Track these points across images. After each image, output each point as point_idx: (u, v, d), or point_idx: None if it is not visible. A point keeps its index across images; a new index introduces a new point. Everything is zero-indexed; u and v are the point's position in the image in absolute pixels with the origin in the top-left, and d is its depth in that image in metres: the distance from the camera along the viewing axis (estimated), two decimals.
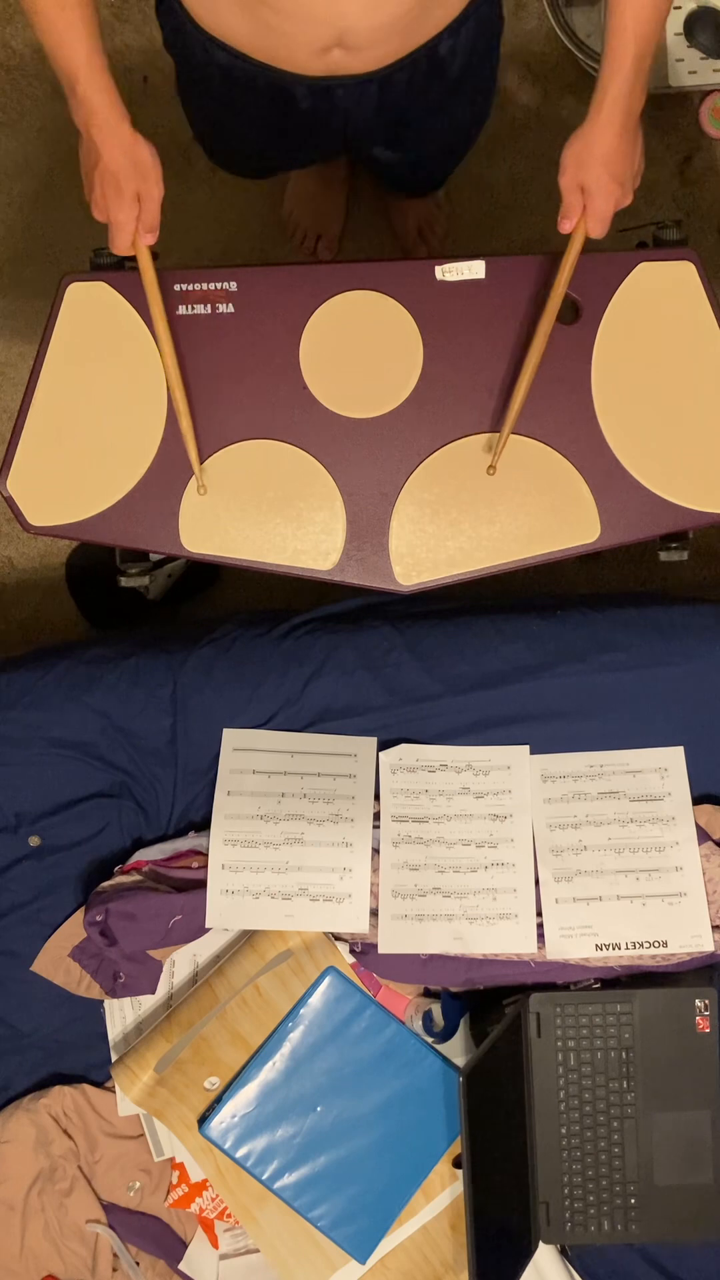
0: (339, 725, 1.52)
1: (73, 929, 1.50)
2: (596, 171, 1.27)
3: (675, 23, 1.98)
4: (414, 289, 1.42)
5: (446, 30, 1.28)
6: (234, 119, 1.45)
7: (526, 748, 1.50)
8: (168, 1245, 1.47)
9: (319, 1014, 1.43)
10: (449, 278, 1.43)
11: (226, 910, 1.45)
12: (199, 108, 1.54)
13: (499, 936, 1.44)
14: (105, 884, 1.48)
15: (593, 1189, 1.40)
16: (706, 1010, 1.41)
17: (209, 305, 1.42)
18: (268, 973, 1.44)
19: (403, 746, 1.50)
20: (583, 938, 1.44)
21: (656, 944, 1.44)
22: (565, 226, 1.32)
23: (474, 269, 1.42)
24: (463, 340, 1.42)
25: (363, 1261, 1.41)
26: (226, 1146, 1.41)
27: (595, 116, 1.26)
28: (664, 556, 1.47)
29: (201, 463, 1.41)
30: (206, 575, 2.00)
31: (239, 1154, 1.41)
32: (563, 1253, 1.45)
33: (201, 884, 1.46)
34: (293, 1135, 1.41)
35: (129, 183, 1.26)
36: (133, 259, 1.46)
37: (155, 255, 1.36)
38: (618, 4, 1.21)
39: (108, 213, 1.29)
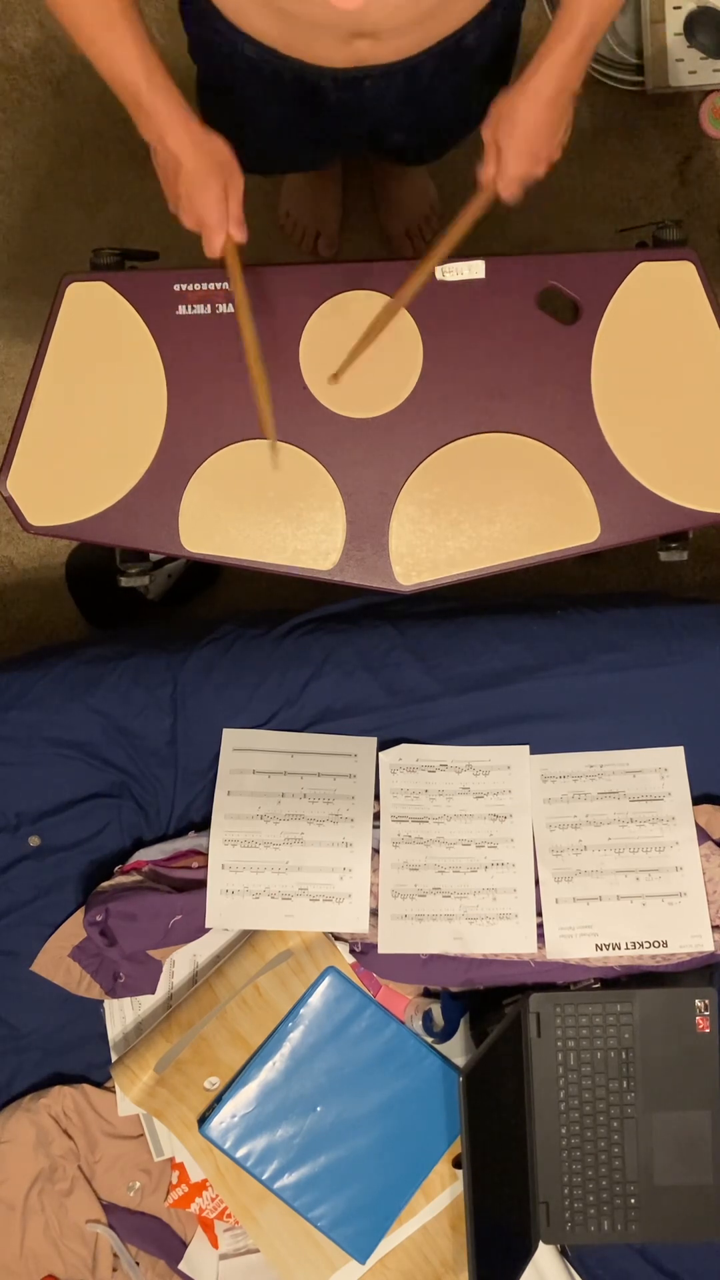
0: (339, 725, 1.52)
1: (73, 929, 1.50)
2: (515, 137, 1.25)
3: (675, 23, 1.98)
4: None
5: (474, 20, 1.28)
6: (263, 117, 1.44)
7: (526, 748, 1.50)
8: (168, 1245, 1.48)
9: (319, 1014, 1.43)
10: (449, 278, 1.43)
11: (226, 910, 1.45)
12: (223, 110, 1.54)
13: (499, 936, 1.44)
14: (105, 884, 1.48)
15: (593, 1189, 1.40)
16: (706, 1010, 1.41)
17: (209, 305, 1.42)
18: (268, 973, 1.44)
19: (403, 746, 1.50)
20: (583, 938, 1.44)
21: (656, 944, 1.44)
22: (481, 176, 1.30)
23: (474, 269, 1.42)
24: (463, 340, 1.42)
25: (363, 1261, 1.41)
26: (226, 1146, 1.41)
27: (527, 81, 1.23)
28: (664, 556, 1.47)
29: (201, 463, 1.41)
30: (206, 575, 2.00)
31: (239, 1154, 1.41)
32: (563, 1253, 1.45)
33: (201, 884, 1.46)
34: (293, 1135, 1.41)
35: (215, 180, 1.24)
36: (136, 259, 1.47)
37: (153, 255, 1.35)
38: None
39: (199, 216, 1.26)
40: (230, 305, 1.42)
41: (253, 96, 1.38)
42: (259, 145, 1.59)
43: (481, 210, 1.32)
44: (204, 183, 1.24)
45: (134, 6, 1.18)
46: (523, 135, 1.25)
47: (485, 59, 1.36)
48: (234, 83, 1.37)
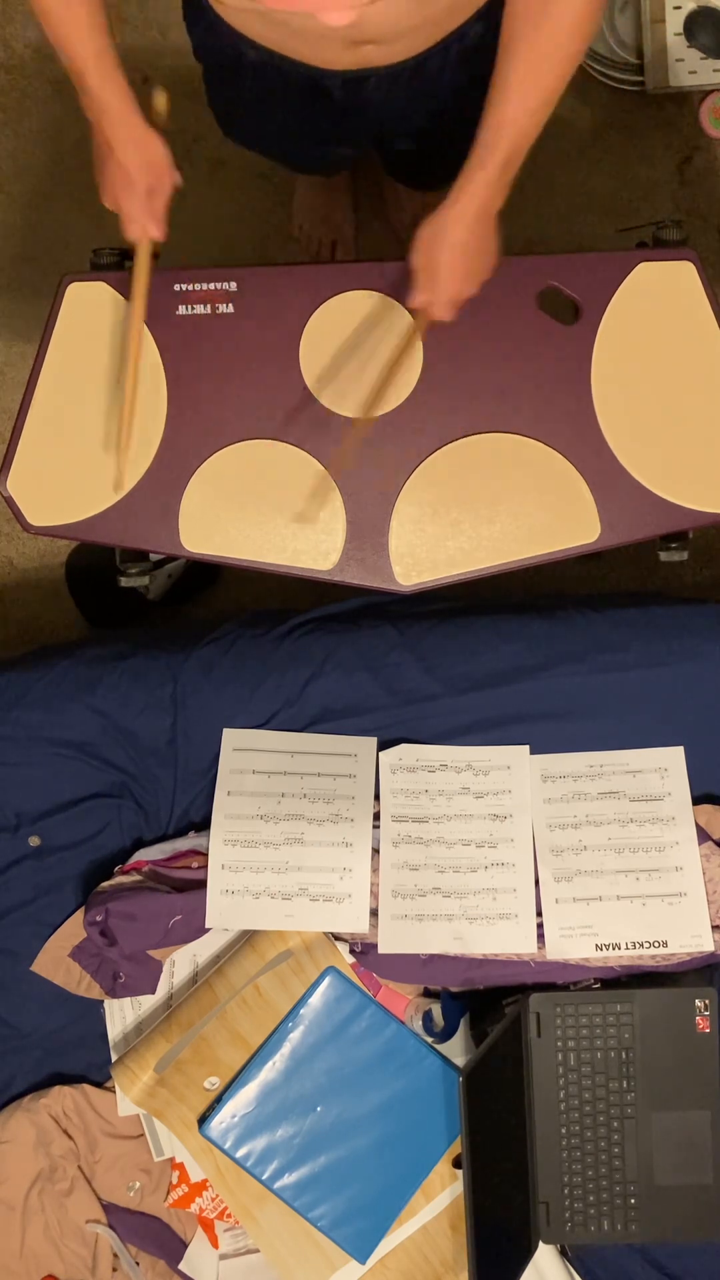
0: (339, 725, 1.52)
1: (73, 929, 1.50)
2: (444, 259, 1.27)
3: (675, 23, 1.98)
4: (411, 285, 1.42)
5: (475, 15, 1.28)
6: (269, 117, 1.45)
7: (526, 748, 1.50)
8: (168, 1245, 1.47)
9: (319, 1014, 1.43)
10: None
11: (226, 910, 1.45)
12: (231, 108, 1.54)
13: (499, 936, 1.44)
14: (105, 884, 1.48)
15: (593, 1189, 1.40)
16: (706, 1010, 1.41)
17: (209, 305, 1.42)
18: (268, 973, 1.44)
19: (403, 746, 1.50)
20: (583, 938, 1.44)
21: (656, 944, 1.44)
22: (412, 302, 1.33)
23: None
24: (463, 340, 1.42)
25: (363, 1261, 1.41)
26: (226, 1146, 1.41)
27: (451, 205, 1.25)
28: (664, 556, 1.47)
29: (201, 463, 1.41)
30: (206, 575, 2.00)
31: (239, 1154, 1.41)
32: (563, 1253, 1.45)
33: (201, 884, 1.46)
34: (293, 1135, 1.41)
35: (141, 177, 1.27)
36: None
37: (156, 255, 1.36)
38: (501, 94, 1.18)
39: (118, 205, 1.29)
40: (230, 306, 1.42)
41: (258, 97, 1.39)
42: (269, 143, 1.60)
43: (412, 340, 1.35)
44: (129, 177, 1.26)
45: None
46: (453, 257, 1.27)
47: (490, 50, 1.36)
48: (239, 84, 1.37)
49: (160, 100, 1.28)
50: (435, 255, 1.27)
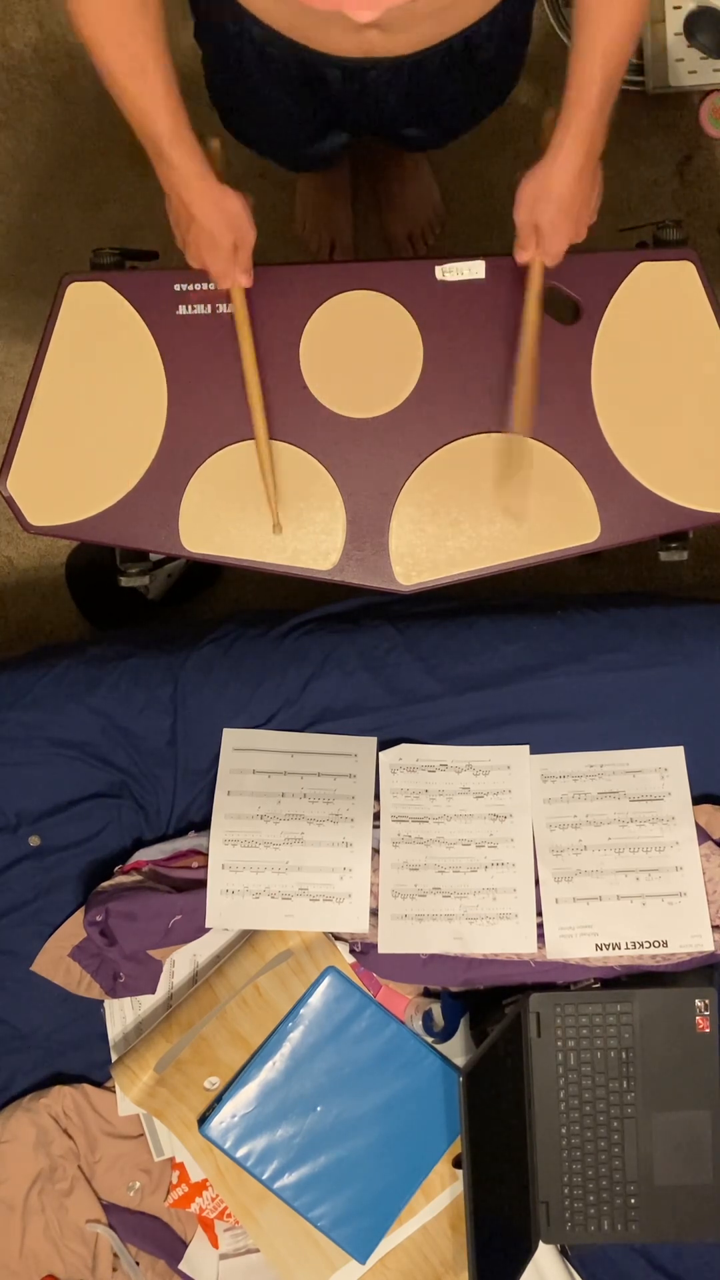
0: (339, 725, 1.52)
1: (73, 929, 1.50)
2: (551, 213, 1.28)
3: (675, 23, 1.98)
4: (414, 289, 1.42)
5: (484, 19, 1.28)
6: (268, 102, 1.45)
7: (526, 748, 1.50)
8: (168, 1245, 1.48)
9: (319, 1014, 1.43)
10: (449, 278, 1.43)
11: (226, 910, 1.45)
12: (230, 93, 1.54)
13: (499, 936, 1.44)
14: (105, 884, 1.48)
15: (593, 1189, 1.40)
16: (706, 1010, 1.41)
17: (209, 305, 1.42)
18: (268, 973, 1.44)
19: (403, 746, 1.50)
20: (583, 937, 1.44)
21: (656, 944, 1.44)
22: (520, 258, 1.34)
23: (474, 269, 1.42)
24: (463, 340, 1.42)
25: (363, 1261, 1.41)
26: (226, 1146, 1.41)
27: (555, 155, 1.25)
28: (664, 556, 1.47)
29: (201, 463, 1.41)
30: (206, 575, 2.00)
31: (239, 1154, 1.41)
32: (563, 1253, 1.45)
33: (201, 884, 1.46)
34: (293, 1135, 1.41)
35: (225, 237, 1.29)
36: (135, 259, 1.47)
37: (153, 255, 1.36)
38: (589, 30, 1.18)
39: (206, 265, 1.32)
40: (229, 306, 1.41)
41: (259, 81, 1.39)
42: (267, 130, 1.60)
43: (538, 287, 1.35)
44: (213, 240, 1.29)
45: (165, 54, 1.20)
46: (562, 210, 1.28)
47: (491, 55, 1.36)
48: (241, 68, 1.38)
49: (216, 148, 1.30)
50: (540, 213, 1.28)
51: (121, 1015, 1.50)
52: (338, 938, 1.47)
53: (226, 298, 1.41)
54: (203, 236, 1.29)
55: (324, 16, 1.21)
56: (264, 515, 1.41)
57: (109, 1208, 1.47)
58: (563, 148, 1.24)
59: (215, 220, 1.28)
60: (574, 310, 1.43)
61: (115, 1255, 1.46)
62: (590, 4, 1.18)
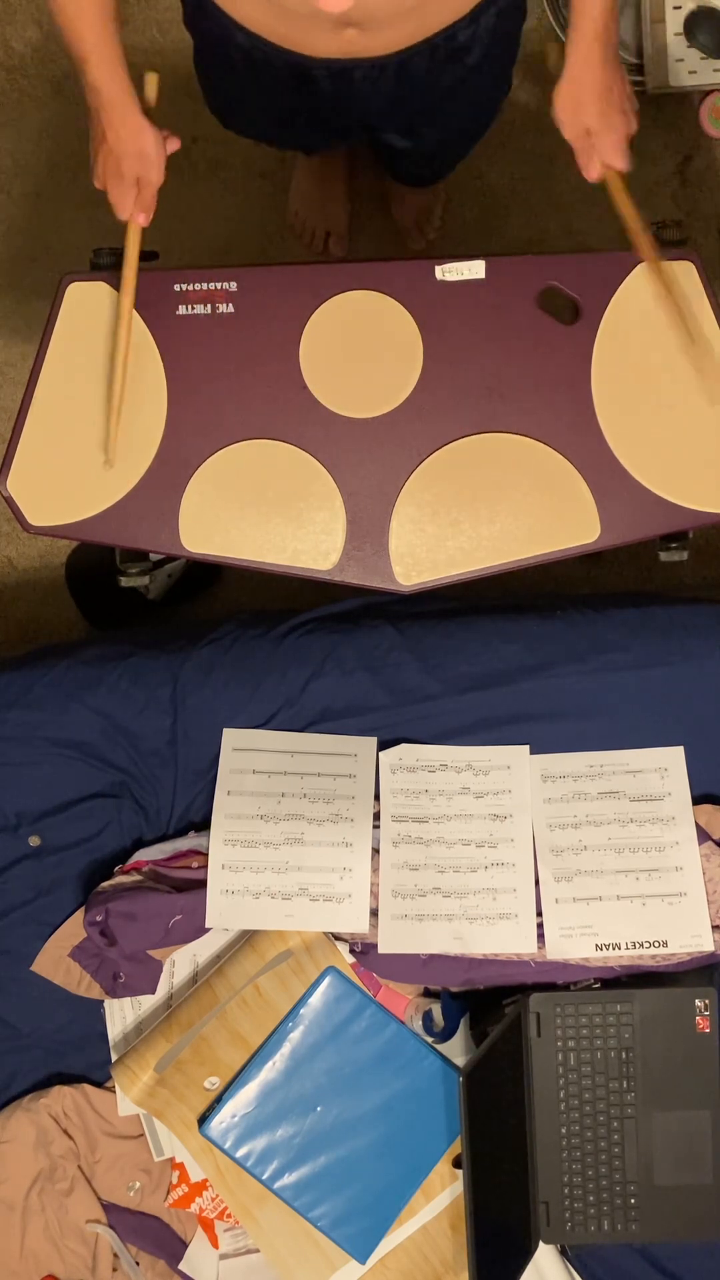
0: (339, 725, 1.52)
1: (73, 929, 1.50)
2: (595, 108, 1.29)
3: (675, 23, 1.98)
4: (414, 289, 1.42)
5: (466, 17, 1.29)
6: (254, 97, 1.46)
7: (526, 748, 1.50)
8: (168, 1245, 1.48)
9: (319, 1014, 1.43)
10: (449, 278, 1.43)
11: (226, 910, 1.45)
12: (219, 84, 1.55)
13: (499, 936, 1.44)
14: (105, 884, 1.48)
15: (593, 1189, 1.40)
16: (706, 1010, 1.41)
17: (209, 305, 1.42)
18: (268, 973, 1.44)
19: (403, 746, 1.50)
20: (583, 938, 1.44)
21: (656, 944, 1.44)
22: (591, 175, 1.35)
23: (474, 269, 1.42)
24: (463, 340, 1.42)
25: (363, 1261, 1.41)
26: (226, 1146, 1.41)
27: (575, 58, 1.27)
28: (664, 556, 1.47)
29: (201, 463, 1.41)
30: (206, 575, 2.00)
31: (239, 1154, 1.41)
32: (563, 1253, 1.45)
33: (201, 884, 1.46)
34: (293, 1135, 1.41)
35: (130, 167, 1.31)
36: (140, 259, 1.47)
37: (153, 255, 1.36)
38: None
39: (107, 191, 1.34)
40: (230, 305, 1.42)
41: (246, 79, 1.39)
42: (256, 123, 1.60)
43: (623, 196, 1.35)
44: (119, 166, 1.31)
45: None
46: (602, 102, 1.29)
47: (478, 60, 1.36)
48: (228, 65, 1.38)
49: (150, 82, 1.32)
50: (586, 117, 1.30)
51: (121, 1015, 1.50)
52: (338, 938, 1.47)
53: (227, 298, 1.41)
54: (109, 160, 1.31)
55: (302, 16, 1.21)
56: (265, 515, 1.41)
57: (109, 1208, 1.47)
58: (580, 48, 1.27)
59: (125, 147, 1.29)
60: (574, 310, 1.43)
61: (115, 1255, 1.46)
62: None
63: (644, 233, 1.36)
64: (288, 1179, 1.41)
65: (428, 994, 1.50)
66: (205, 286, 1.42)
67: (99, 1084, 1.50)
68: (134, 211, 1.34)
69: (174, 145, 1.33)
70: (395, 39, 1.27)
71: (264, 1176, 1.41)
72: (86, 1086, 1.49)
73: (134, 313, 1.38)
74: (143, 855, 1.51)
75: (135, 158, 1.30)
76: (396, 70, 1.31)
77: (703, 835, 1.48)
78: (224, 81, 1.50)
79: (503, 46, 1.43)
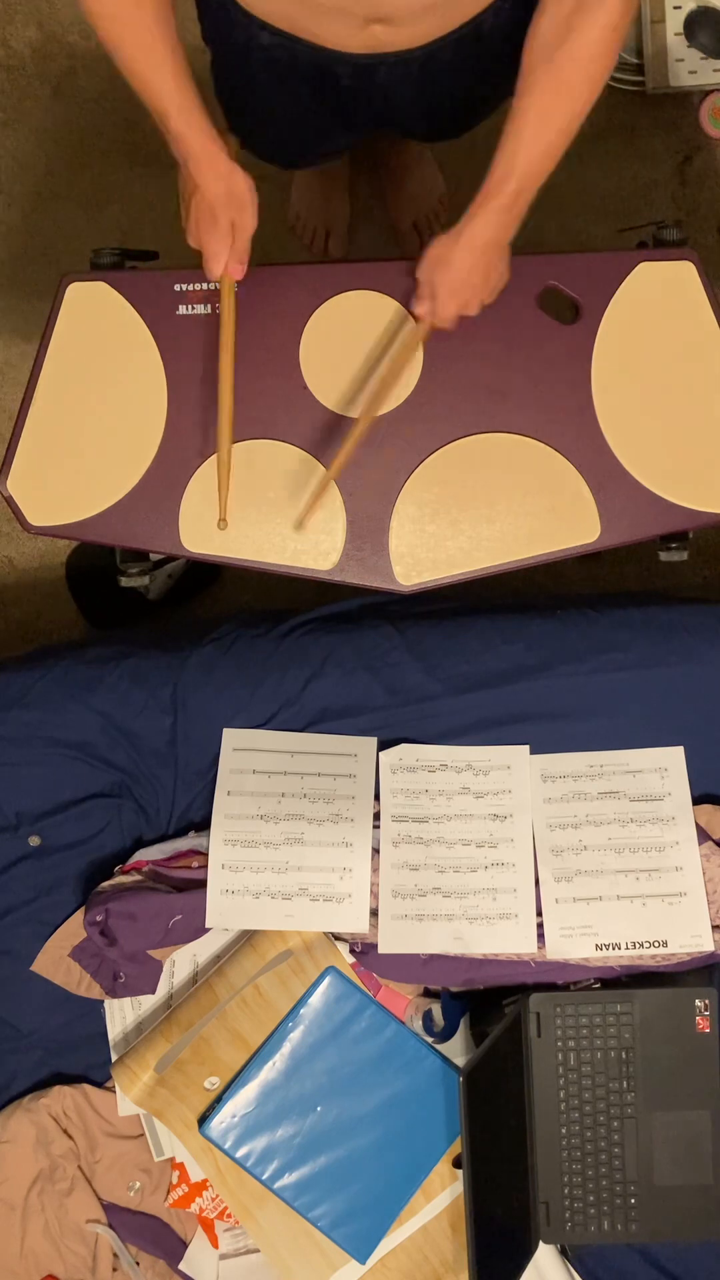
0: (339, 725, 1.52)
1: (73, 929, 1.50)
2: (447, 282, 1.29)
3: (675, 23, 1.98)
4: (414, 289, 1.42)
5: (490, 8, 1.28)
6: (276, 104, 1.45)
7: (526, 748, 1.50)
8: (168, 1245, 1.48)
9: (319, 1014, 1.43)
10: None
11: (226, 910, 1.45)
12: (238, 96, 1.54)
13: (499, 936, 1.44)
14: (105, 884, 1.48)
15: (593, 1189, 1.40)
16: (706, 1010, 1.41)
17: (209, 305, 1.42)
18: (268, 973, 1.44)
19: (403, 746, 1.50)
20: (583, 938, 1.44)
21: (656, 944, 1.44)
22: (416, 311, 1.36)
23: None
24: (463, 340, 1.42)
25: (363, 1261, 1.41)
26: (226, 1146, 1.41)
27: (461, 229, 1.27)
28: (664, 556, 1.47)
29: (201, 463, 1.41)
30: (206, 575, 2.00)
31: (239, 1154, 1.41)
32: (563, 1253, 1.45)
33: (201, 884, 1.46)
34: (293, 1135, 1.42)
35: (224, 213, 1.29)
36: (136, 259, 1.47)
37: (153, 255, 1.36)
38: (517, 126, 1.20)
39: (201, 241, 1.31)
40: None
41: (266, 84, 1.39)
42: (272, 132, 1.60)
43: (418, 342, 1.37)
44: (213, 214, 1.29)
45: (173, 31, 1.21)
46: (456, 279, 1.29)
47: (499, 47, 1.36)
48: (248, 70, 1.38)
49: (232, 143, 1.31)
50: (438, 277, 1.30)
51: (121, 1015, 1.50)
52: (338, 938, 1.47)
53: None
54: (203, 208, 1.28)
55: (328, 11, 1.21)
56: (264, 515, 1.41)
57: (109, 1208, 1.47)
58: (473, 221, 1.26)
59: (217, 191, 1.27)
60: (574, 310, 1.43)
61: (115, 1255, 1.46)
62: (531, 101, 1.19)
63: (390, 386, 1.37)
64: (288, 1179, 1.41)
65: (428, 994, 1.50)
66: (205, 286, 1.42)
67: (99, 1084, 1.50)
68: (230, 263, 1.31)
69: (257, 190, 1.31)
70: (422, 33, 1.27)
71: (264, 1176, 1.41)
72: (86, 1086, 1.49)
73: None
74: (143, 855, 1.51)
75: (229, 202, 1.28)
76: (421, 64, 1.31)
77: (703, 835, 1.48)
78: (243, 92, 1.50)
79: (525, 24, 1.42)
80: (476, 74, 1.39)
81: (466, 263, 1.28)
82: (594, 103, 1.21)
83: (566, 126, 1.21)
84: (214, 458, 1.41)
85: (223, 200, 1.28)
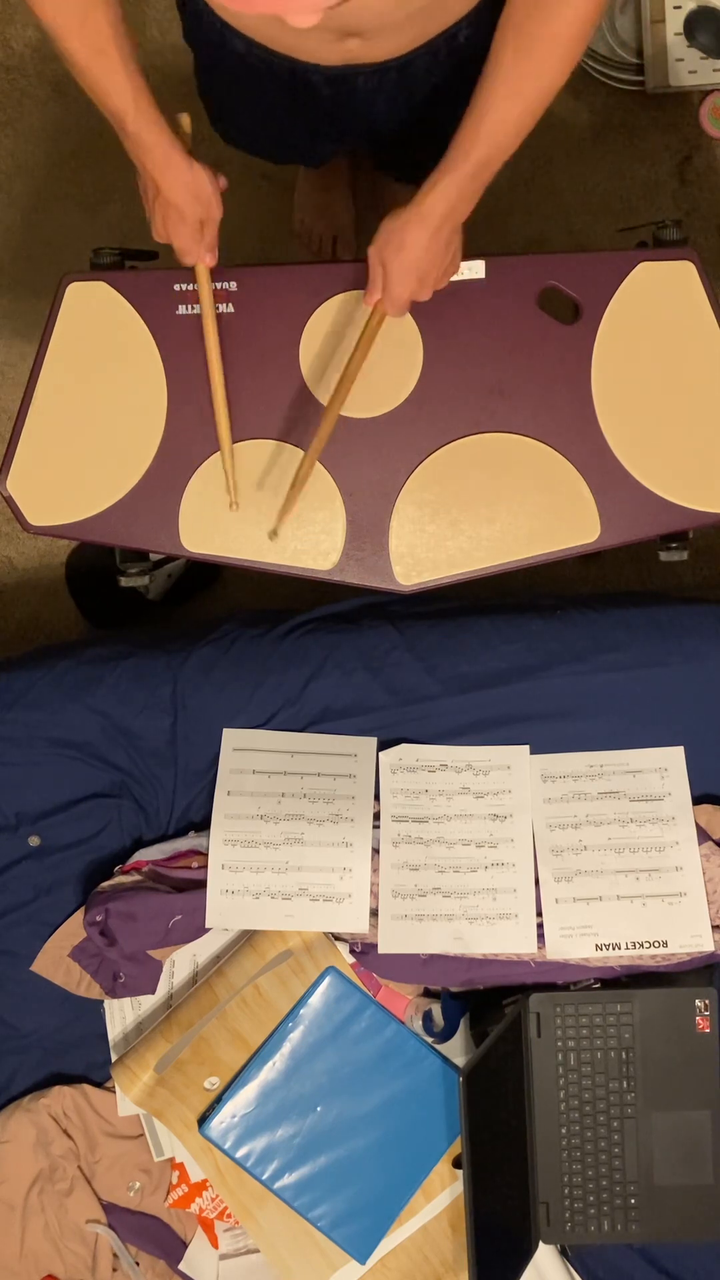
0: (339, 725, 1.52)
1: (73, 929, 1.50)
2: (400, 259, 1.26)
3: (675, 23, 1.98)
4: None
5: (466, 18, 1.27)
6: (254, 107, 1.45)
7: (526, 748, 1.50)
8: (168, 1245, 1.48)
9: (319, 1014, 1.43)
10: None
11: (226, 910, 1.45)
12: (219, 97, 1.54)
13: (499, 936, 1.44)
14: (105, 884, 1.48)
15: (593, 1189, 1.40)
16: (706, 1010, 1.41)
17: None
18: (268, 973, 1.44)
19: (403, 746, 1.50)
20: (583, 938, 1.44)
21: (656, 944, 1.44)
22: (366, 300, 1.33)
23: (474, 269, 1.42)
24: (463, 340, 1.42)
25: (363, 1261, 1.41)
26: (226, 1146, 1.41)
27: (416, 205, 1.23)
28: (664, 556, 1.47)
29: (201, 463, 1.41)
30: (206, 575, 2.00)
31: (239, 1154, 1.41)
32: (563, 1253, 1.45)
33: (201, 884, 1.46)
34: (293, 1135, 1.42)
35: (190, 210, 1.29)
36: (135, 259, 1.47)
37: (153, 255, 1.36)
38: (484, 105, 1.17)
39: (170, 239, 1.32)
40: (230, 305, 1.42)
41: (245, 87, 1.39)
42: (257, 134, 1.60)
43: (374, 335, 1.35)
44: (179, 214, 1.29)
45: (124, 33, 1.19)
46: (408, 258, 1.26)
47: (478, 53, 1.36)
48: (227, 75, 1.38)
49: (185, 123, 1.30)
50: (390, 256, 1.27)
51: (121, 1015, 1.50)
52: (338, 938, 1.47)
53: (227, 298, 1.41)
54: (169, 210, 1.29)
55: (302, 29, 1.21)
56: (264, 515, 1.41)
57: (109, 1208, 1.47)
58: (425, 200, 1.23)
59: (181, 195, 1.27)
60: (574, 310, 1.43)
61: (115, 1255, 1.46)
62: (498, 73, 1.16)
63: (352, 379, 1.36)
64: (288, 1179, 1.41)
65: (428, 994, 1.50)
66: None
67: (99, 1084, 1.50)
68: (200, 254, 1.33)
69: (222, 182, 1.31)
70: (398, 45, 1.26)
71: (264, 1176, 1.41)
72: (86, 1086, 1.49)
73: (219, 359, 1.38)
74: (143, 855, 1.51)
75: (193, 200, 1.28)
76: (398, 74, 1.31)
77: (703, 835, 1.48)
78: (223, 95, 1.50)
79: None
80: (456, 84, 1.39)
81: (421, 241, 1.24)
82: (562, 85, 1.17)
83: (535, 104, 1.17)
84: (215, 457, 1.41)
85: (187, 200, 1.28)
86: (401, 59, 1.28)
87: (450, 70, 1.34)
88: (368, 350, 1.37)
